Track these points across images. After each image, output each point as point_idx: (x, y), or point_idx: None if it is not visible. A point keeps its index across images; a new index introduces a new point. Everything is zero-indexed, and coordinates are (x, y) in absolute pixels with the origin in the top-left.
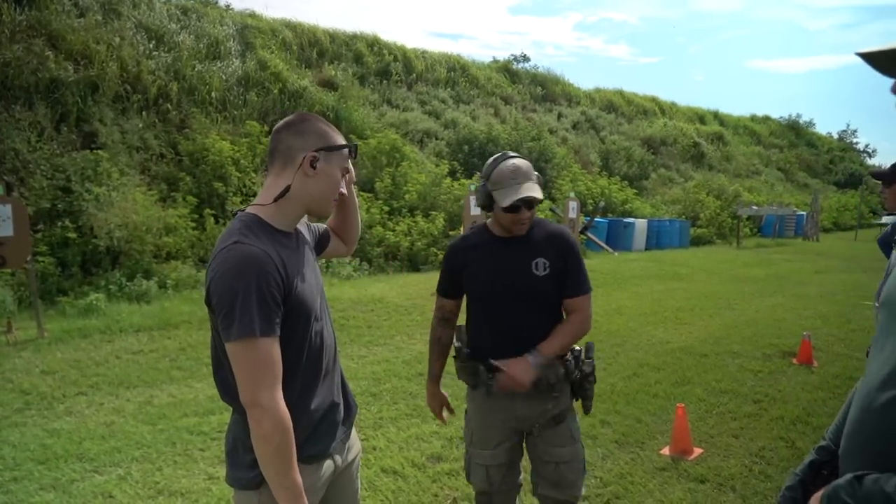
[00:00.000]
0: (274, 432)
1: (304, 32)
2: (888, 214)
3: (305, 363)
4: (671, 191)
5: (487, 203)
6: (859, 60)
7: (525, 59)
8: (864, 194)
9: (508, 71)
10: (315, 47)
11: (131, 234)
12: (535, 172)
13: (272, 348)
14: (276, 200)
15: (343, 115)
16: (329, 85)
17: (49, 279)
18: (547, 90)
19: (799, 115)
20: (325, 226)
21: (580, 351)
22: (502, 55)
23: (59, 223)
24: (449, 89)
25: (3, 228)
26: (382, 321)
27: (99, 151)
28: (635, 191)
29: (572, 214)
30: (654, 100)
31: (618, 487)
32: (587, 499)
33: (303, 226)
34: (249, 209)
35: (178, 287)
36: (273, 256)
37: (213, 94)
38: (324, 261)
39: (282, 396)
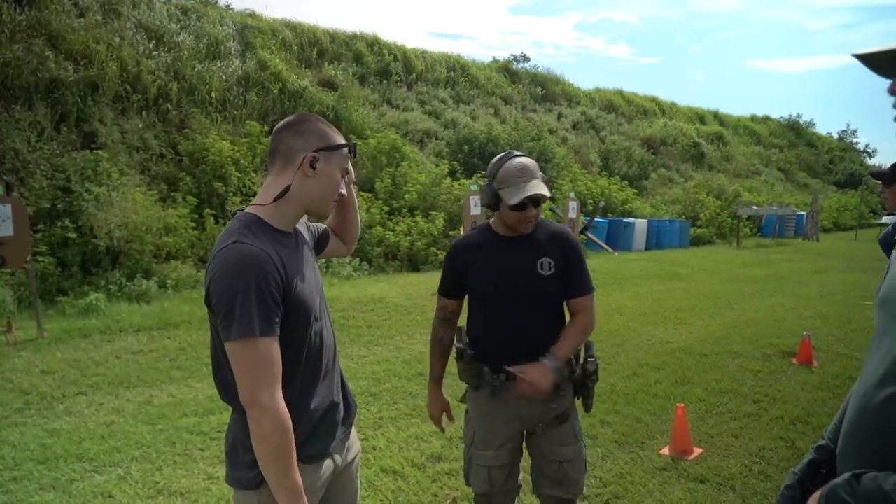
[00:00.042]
0: (273, 432)
1: (304, 32)
2: (888, 214)
3: (305, 363)
4: (671, 191)
5: (494, 202)
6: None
7: (525, 59)
8: (865, 194)
9: (508, 71)
10: (315, 47)
11: (131, 234)
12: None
13: (272, 348)
14: (275, 200)
15: (343, 115)
16: (329, 85)
17: (49, 279)
18: (547, 90)
19: (799, 115)
20: (324, 226)
21: (580, 350)
22: (502, 55)
23: (59, 223)
24: (449, 89)
25: (3, 228)
26: (382, 321)
27: (99, 151)
28: (635, 191)
29: (572, 214)
30: (654, 100)
31: (617, 487)
32: (587, 498)
33: (302, 225)
34: (249, 209)
35: (178, 287)
36: (272, 256)
37: (213, 94)
38: (324, 261)
39: (281, 396)
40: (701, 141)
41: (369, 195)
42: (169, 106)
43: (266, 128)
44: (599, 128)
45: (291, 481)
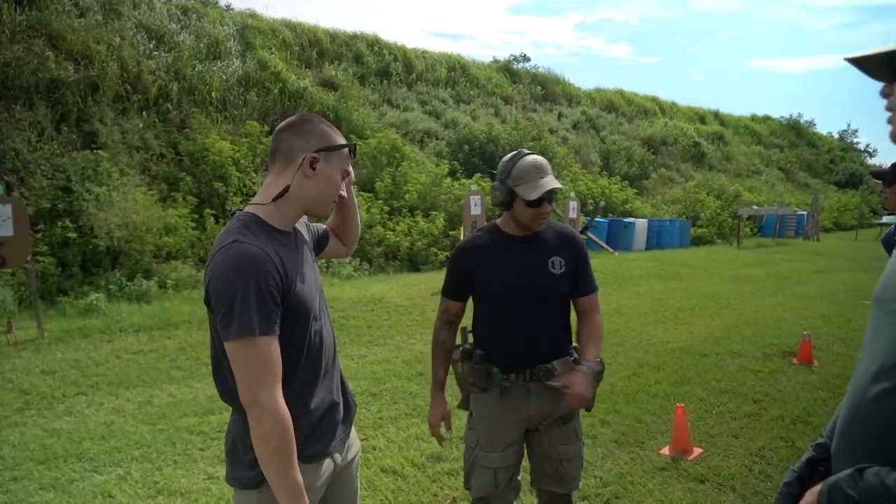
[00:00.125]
0: (274, 431)
1: (305, 32)
2: (889, 214)
3: (305, 362)
4: (671, 191)
5: (508, 199)
6: None
7: (525, 59)
8: (865, 194)
9: (509, 71)
10: (315, 47)
11: (131, 234)
12: None
13: (271, 347)
14: (274, 200)
15: (343, 115)
16: (329, 85)
17: (49, 279)
18: (547, 90)
19: (800, 115)
20: (324, 226)
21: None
22: (502, 55)
23: (60, 223)
24: (449, 89)
25: (4, 228)
26: (382, 321)
27: (99, 151)
28: (635, 191)
29: (572, 214)
30: (654, 100)
31: (617, 487)
32: (587, 498)
33: (302, 225)
34: (248, 208)
35: (178, 287)
36: (272, 255)
37: (213, 94)
38: (324, 261)
39: (281, 395)
40: (701, 141)
41: (369, 195)
42: (169, 106)
43: (266, 128)
44: (600, 128)
45: (292, 480)
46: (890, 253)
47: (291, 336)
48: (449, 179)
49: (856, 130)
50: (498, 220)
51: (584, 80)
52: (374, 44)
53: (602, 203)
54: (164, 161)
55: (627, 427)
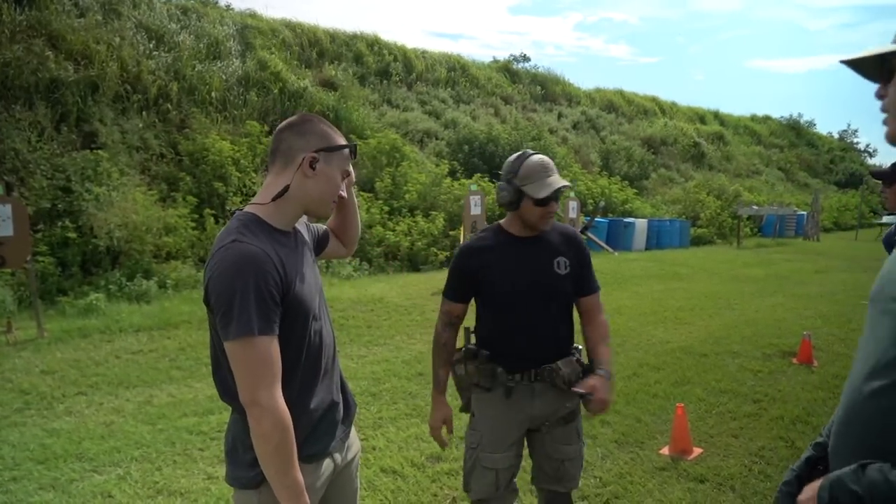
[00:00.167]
0: (273, 431)
1: (305, 32)
2: (889, 214)
3: (304, 362)
4: (671, 191)
5: (516, 199)
6: None
7: (525, 59)
8: (865, 194)
9: (508, 71)
10: (315, 47)
11: (131, 234)
12: None
13: (271, 347)
14: (274, 200)
15: (343, 115)
16: (329, 85)
17: (49, 279)
18: (547, 90)
19: (800, 115)
20: (324, 227)
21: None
22: (502, 55)
23: (59, 223)
24: (449, 89)
25: (3, 228)
26: (382, 321)
27: (99, 151)
28: (635, 191)
29: (572, 214)
30: (654, 100)
31: (617, 487)
32: (587, 498)
33: (302, 225)
34: (248, 208)
35: (178, 287)
36: (271, 255)
37: (213, 94)
38: (324, 261)
39: (281, 395)
40: (701, 141)
41: (369, 195)
42: (169, 106)
43: (266, 128)
44: (599, 128)
45: (292, 480)
46: (890, 253)
47: (291, 336)
48: (449, 179)
49: (856, 130)
50: (501, 221)
51: (583, 80)
52: (373, 44)
53: (602, 203)
54: (164, 161)
55: (627, 427)
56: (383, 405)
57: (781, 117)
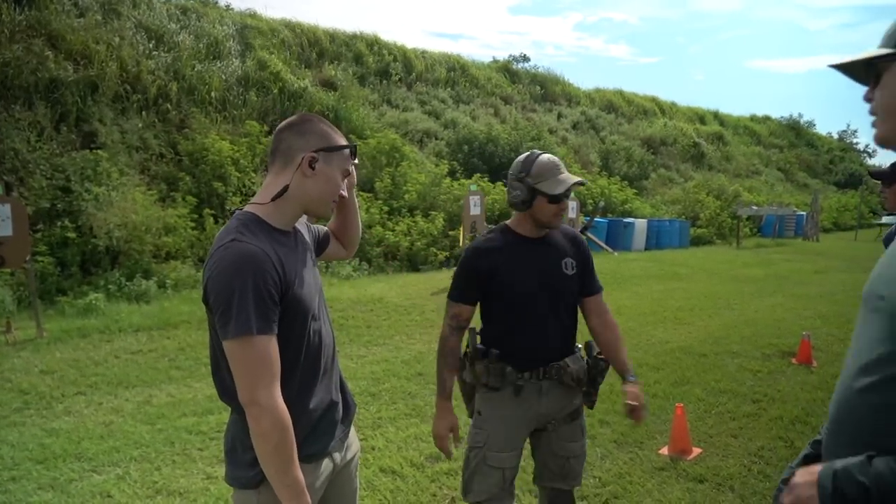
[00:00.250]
0: (273, 430)
1: (304, 32)
2: (888, 214)
3: (304, 362)
4: (671, 191)
5: (529, 198)
6: None
7: (525, 59)
8: (864, 194)
9: (508, 71)
10: (315, 47)
11: (131, 233)
12: None
13: (269, 346)
14: (273, 200)
15: (343, 115)
16: (329, 85)
17: (48, 279)
18: (547, 90)
19: (800, 115)
20: (325, 228)
21: (592, 346)
22: (502, 55)
23: (59, 223)
24: (449, 89)
25: (3, 228)
26: (382, 321)
27: (98, 151)
28: (635, 191)
29: (572, 214)
30: (654, 100)
31: (616, 487)
32: (586, 498)
33: (303, 226)
34: (247, 208)
35: (178, 287)
36: (270, 254)
37: (212, 94)
38: (323, 261)
39: (280, 394)
40: (701, 141)
41: (369, 195)
42: (169, 106)
43: (266, 128)
44: (599, 128)
45: (292, 478)
46: None
47: (290, 335)
48: (448, 179)
49: (855, 131)
50: (508, 222)
51: (583, 80)
52: (373, 44)
53: (601, 203)
54: (164, 161)
55: (626, 427)
56: (382, 405)
57: (781, 117)
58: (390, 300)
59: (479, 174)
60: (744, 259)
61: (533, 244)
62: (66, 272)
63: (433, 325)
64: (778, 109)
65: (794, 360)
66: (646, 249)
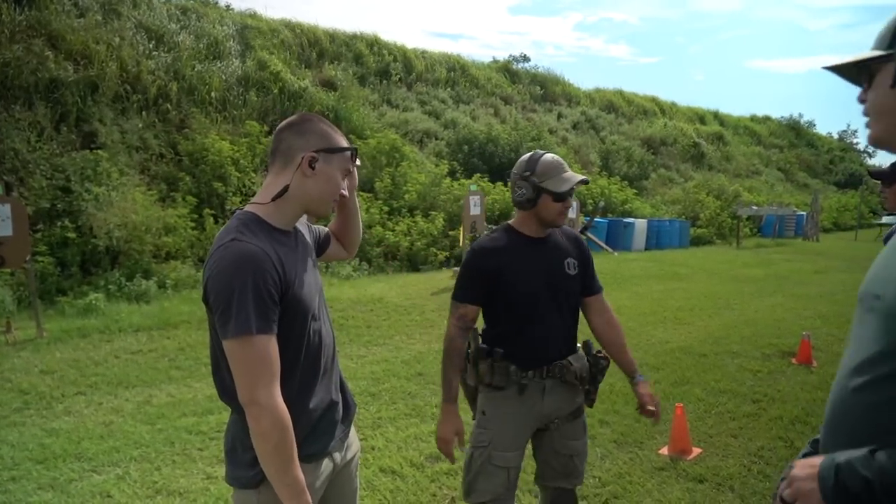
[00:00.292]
0: (272, 430)
1: (304, 32)
2: (888, 214)
3: (304, 362)
4: (671, 191)
5: (535, 196)
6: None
7: (525, 59)
8: (864, 194)
9: (508, 71)
10: (315, 47)
11: (131, 233)
12: None
13: (269, 346)
14: (273, 199)
15: (343, 115)
16: (329, 85)
17: (48, 279)
18: (547, 90)
19: (800, 116)
20: (326, 229)
21: (591, 345)
22: (502, 55)
23: (59, 223)
24: (449, 89)
25: (3, 228)
26: (382, 321)
27: (98, 151)
28: (635, 191)
29: (572, 214)
30: (654, 100)
31: (616, 487)
32: (586, 498)
33: (303, 226)
34: (248, 207)
35: (178, 287)
36: (270, 254)
37: (212, 94)
38: (324, 262)
39: (279, 394)
40: (701, 141)
41: (369, 195)
42: (169, 106)
43: (266, 128)
44: (599, 128)
45: (293, 478)
46: None
47: (290, 335)
48: (448, 179)
49: (855, 131)
50: (511, 222)
51: (583, 80)
52: (373, 44)
53: (601, 203)
54: (164, 161)
55: (626, 427)
56: (382, 405)
57: (781, 117)
58: (390, 300)
59: (479, 174)
60: (744, 259)
61: (537, 244)
62: (66, 272)
63: (433, 325)
64: (778, 109)
65: (794, 360)
66: (646, 249)
